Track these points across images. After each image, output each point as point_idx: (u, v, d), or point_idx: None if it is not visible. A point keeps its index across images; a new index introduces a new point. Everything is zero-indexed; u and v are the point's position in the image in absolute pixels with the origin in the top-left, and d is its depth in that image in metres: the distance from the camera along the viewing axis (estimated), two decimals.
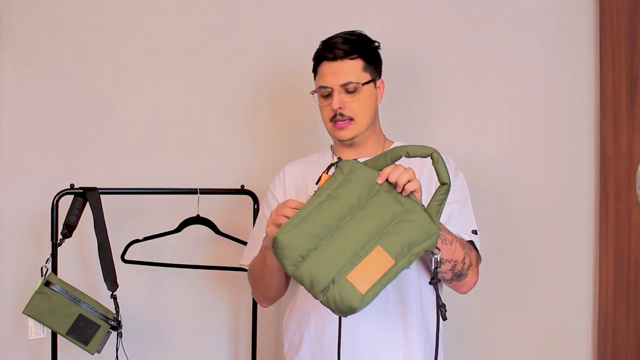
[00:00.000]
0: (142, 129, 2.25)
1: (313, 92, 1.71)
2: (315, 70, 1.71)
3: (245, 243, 2.09)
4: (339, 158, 1.47)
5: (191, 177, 2.20)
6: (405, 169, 1.40)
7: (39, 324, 1.84)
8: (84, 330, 1.84)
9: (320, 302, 1.36)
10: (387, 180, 1.41)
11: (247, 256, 1.78)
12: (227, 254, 2.21)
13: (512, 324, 2.23)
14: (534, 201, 2.22)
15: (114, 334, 1.90)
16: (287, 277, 1.72)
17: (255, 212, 2.09)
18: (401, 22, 2.24)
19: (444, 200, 1.39)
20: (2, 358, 2.23)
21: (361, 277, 1.34)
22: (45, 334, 1.85)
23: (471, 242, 1.63)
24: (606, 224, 2.14)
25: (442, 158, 1.38)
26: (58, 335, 1.90)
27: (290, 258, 1.36)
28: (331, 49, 1.65)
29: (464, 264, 1.56)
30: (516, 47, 2.23)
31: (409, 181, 1.39)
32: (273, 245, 1.37)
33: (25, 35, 2.24)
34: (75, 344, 1.85)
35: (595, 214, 2.20)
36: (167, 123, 2.25)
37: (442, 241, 1.49)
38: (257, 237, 1.76)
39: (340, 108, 1.63)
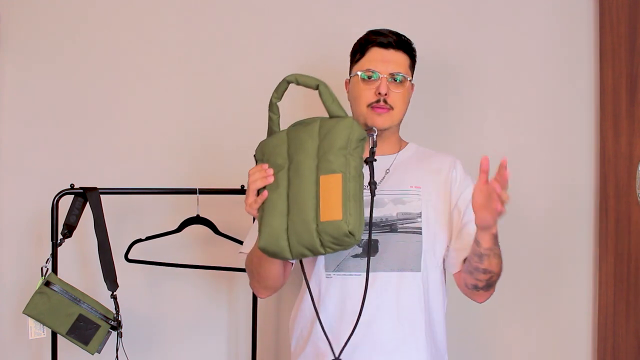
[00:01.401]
0: (142, 129, 2.25)
1: (355, 75, 1.68)
2: (362, 54, 1.68)
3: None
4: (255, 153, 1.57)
5: (191, 177, 2.20)
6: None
7: (39, 324, 1.84)
8: (84, 330, 1.84)
9: (329, 254, 1.48)
10: (295, 127, 1.54)
11: (246, 245, 1.77)
12: (227, 254, 2.20)
13: (512, 324, 2.23)
14: (534, 201, 2.22)
15: (114, 334, 1.90)
16: (286, 267, 1.71)
17: None
18: (401, 24, 2.24)
19: (331, 96, 1.50)
20: (2, 358, 2.23)
21: (330, 209, 1.40)
22: (45, 334, 1.85)
23: None
24: (606, 224, 2.14)
25: (298, 75, 1.52)
26: (58, 335, 1.90)
27: (280, 249, 1.45)
28: (385, 36, 1.65)
29: (497, 277, 1.58)
30: (516, 47, 2.23)
31: None
32: (265, 253, 1.48)
33: (25, 35, 2.23)
34: (75, 344, 1.85)
35: (595, 214, 2.20)
36: (167, 123, 2.25)
37: (494, 254, 1.51)
38: (253, 228, 1.76)
39: (386, 94, 1.62)
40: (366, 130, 1.52)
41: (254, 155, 1.58)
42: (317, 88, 1.50)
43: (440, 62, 2.24)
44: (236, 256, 2.17)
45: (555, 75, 2.22)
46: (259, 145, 1.57)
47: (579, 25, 2.21)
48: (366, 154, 1.55)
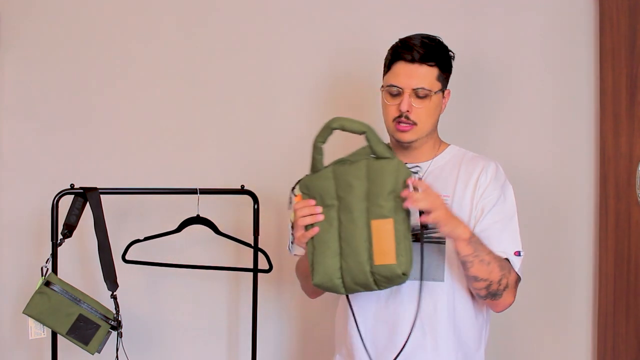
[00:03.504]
0: (142, 129, 2.25)
1: (382, 89, 1.67)
2: (388, 67, 1.67)
3: (244, 243, 2.10)
4: (296, 183, 1.58)
5: (191, 177, 2.20)
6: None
7: (39, 324, 1.84)
8: (84, 330, 1.84)
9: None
10: (336, 164, 1.54)
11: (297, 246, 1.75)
12: (227, 254, 2.20)
13: (512, 324, 2.23)
14: (534, 201, 2.22)
15: (114, 334, 1.90)
16: None
17: (256, 212, 2.08)
18: (400, 25, 2.24)
19: (378, 139, 1.50)
20: (2, 358, 2.23)
21: (384, 254, 1.46)
22: (45, 334, 1.85)
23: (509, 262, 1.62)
24: (606, 224, 2.14)
25: (344, 120, 1.50)
26: (58, 335, 1.90)
27: (334, 286, 1.51)
28: (410, 50, 1.62)
29: (499, 285, 1.57)
30: (516, 47, 2.23)
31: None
32: (319, 289, 1.55)
33: (25, 35, 2.23)
34: (75, 344, 1.85)
35: (595, 214, 2.20)
36: (167, 123, 2.25)
37: (480, 261, 1.52)
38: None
39: (408, 111, 1.61)
40: (411, 169, 1.53)
41: (292, 189, 1.59)
42: (363, 133, 1.51)
43: None
44: (237, 256, 2.18)
45: (555, 76, 2.22)
46: (302, 181, 1.57)
47: (579, 25, 2.21)
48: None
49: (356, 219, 1.48)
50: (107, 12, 2.25)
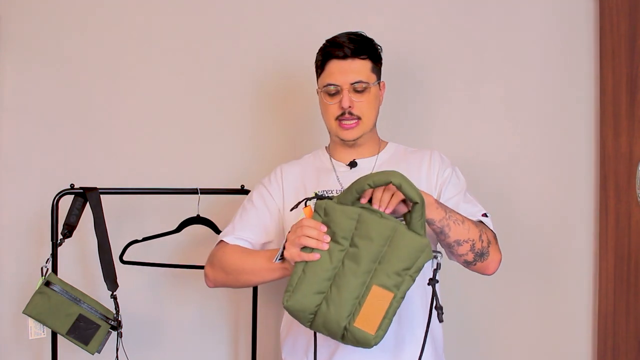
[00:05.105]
0: (142, 129, 2.25)
1: (319, 90, 1.70)
2: (321, 68, 1.69)
3: None
4: (315, 194, 1.50)
5: (191, 177, 2.20)
6: (384, 189, 1.44)
7: (39, 324, 1.84)
8: (84, 330, 1.84)
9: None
10: (367, 202, 1.44)
11: (227, 234, 1.71)
12: None
13: (512, 324, 2.23)
14: (534, 201, 2.22)
15: (114, 334, 1.90)
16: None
17: None
18: (400, 23, 2.24)
19: (423, 215, 1.41)
20: (2, 358, 2.23)
21: (367, 320, 1.40)
22: (45, 334, 1.85)
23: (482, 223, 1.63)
24: (606, 224, 2.14)
25: (404, 179, 1.38)
26: (58, 335, 1.90)
27: (302, 318, 1.45)
28: (341, 47, 1.64)
29: (482, 242, 1.55)
30: (516, 47, 2.23)
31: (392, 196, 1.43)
32: (285, 310, 1.44)
33: (25, 35, 2.23)
34: (75, 344, 1.85)
35: (595, 214, 2.20)
36: (167, 123, 2.25)
37: (454, 222, 1.50)
38: (238, 221, 1.74)
39: (350, 107, 1.63)
40: (433, 251, 1.44)
41: (307, 200, 1.50)
42: (415, 203, 1.40)
43: (441, 62, 2.24)
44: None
45: (555, 76, 2.23)
46: (324, 202, 1.45)
47: (579, 25, 2.21)
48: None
49: (359, 274, 1.41)
50: (107, 12, 2.25)
